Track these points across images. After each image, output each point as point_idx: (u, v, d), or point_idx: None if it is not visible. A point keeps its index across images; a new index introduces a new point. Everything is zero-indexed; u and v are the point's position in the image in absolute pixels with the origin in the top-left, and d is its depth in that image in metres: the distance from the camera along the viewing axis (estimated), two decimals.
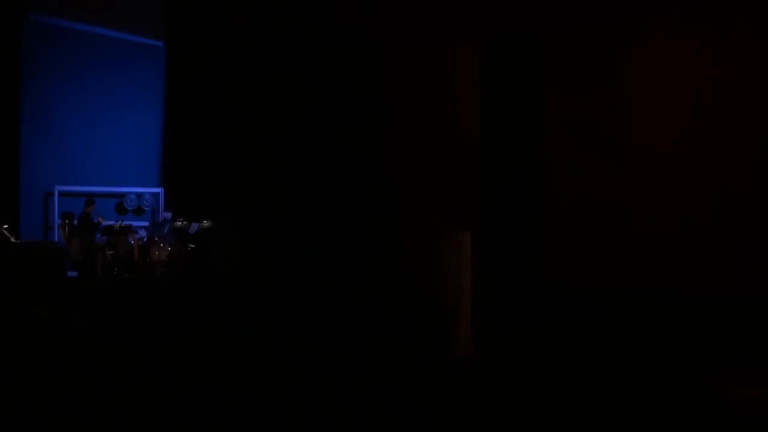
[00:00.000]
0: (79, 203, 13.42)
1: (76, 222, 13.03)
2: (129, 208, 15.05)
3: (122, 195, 15.03)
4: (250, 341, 9.10)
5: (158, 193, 15.38)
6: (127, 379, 7.21)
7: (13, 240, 11.63)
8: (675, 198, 10.37)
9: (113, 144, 14.99)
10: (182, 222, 13.93)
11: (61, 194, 13.96)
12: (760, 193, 9.68)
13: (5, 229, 11.61)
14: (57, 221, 13.61)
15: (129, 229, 13.53)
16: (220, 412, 6.26)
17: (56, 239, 13.54)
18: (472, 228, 8.87)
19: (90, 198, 13.40)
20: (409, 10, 12.82)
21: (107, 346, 8.67)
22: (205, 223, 13.87)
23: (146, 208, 15.16)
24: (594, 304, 10.71)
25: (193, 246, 13.65)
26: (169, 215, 14.11)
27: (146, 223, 14.37)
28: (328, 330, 10.02)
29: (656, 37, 10.65)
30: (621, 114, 10.91)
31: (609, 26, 11.07)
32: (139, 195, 15.16)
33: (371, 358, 8.41)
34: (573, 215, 11.30)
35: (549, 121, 11.60)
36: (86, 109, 14.65)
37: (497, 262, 11.28)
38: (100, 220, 13.28)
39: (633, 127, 10.77)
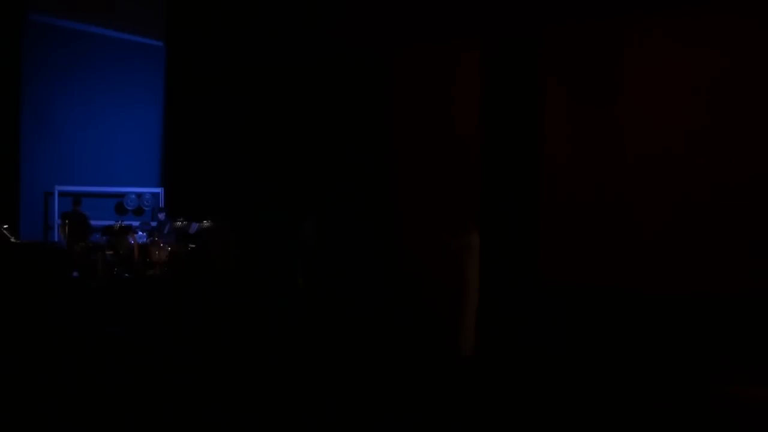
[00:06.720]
0: None
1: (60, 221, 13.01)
2: (129, 208, 15.05)
3: (122, 195, 15.04)
4: (250, 340, 9.09)
5: (158, 193, 15.39)
6: (127, 379, 7.21)
7: (12, 240, 11.63)
8: (675, 198, 10.37)
9: (113, 144, 15.00)
10: (182, 222, 13.93)
11: (61, 194, 13.96)
12: (762, 193, 9.67)
13: (5, 229, 11.60)
14: (57, 221, 13.60)
15: (129, 229, 13.52)
16: (220, 411, 6.26)
17: (56, 239, 13.54)
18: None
19: (77, 197, 13.35)
20: (409, 11, 12.81)
21: (107, 346, 8.67)
22: (205, 223, 13.86)
23: (146, 208, 15.17)
24: (594, 304, 10.70)
25: (193, 246, 13.64)
26: (163, 216, 14.11)
27: (154, 224, 14.38)
28: (331, 329, 10.02)
29: (658, 37, 10.64)
30: (622, 113, 10.90)
31: (610, 26, 11.06)
32: (139, 195, 15.16)
33: (376, 357, 8.41)
34: (573, 215, 11.29)
35: (549, 121, 11.60)
36: (86, 109, 14.66)
37: (497, 262, 11.27)
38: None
39: (634, 127, 10.76)
